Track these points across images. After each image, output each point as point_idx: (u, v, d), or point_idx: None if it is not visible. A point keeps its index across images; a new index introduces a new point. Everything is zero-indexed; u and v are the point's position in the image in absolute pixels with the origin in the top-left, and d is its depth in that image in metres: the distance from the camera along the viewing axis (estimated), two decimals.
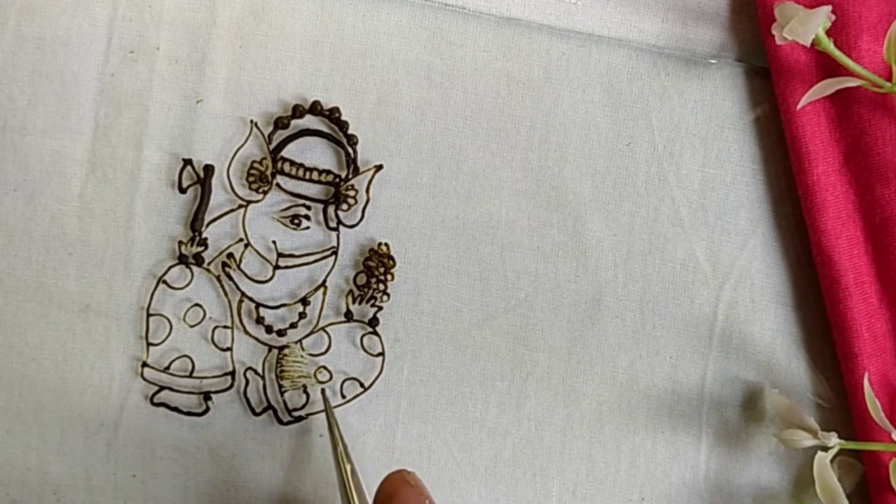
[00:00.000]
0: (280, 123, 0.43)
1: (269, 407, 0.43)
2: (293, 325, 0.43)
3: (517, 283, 0.44)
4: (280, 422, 0.43)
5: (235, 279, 0.43)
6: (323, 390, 0.43)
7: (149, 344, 0.43)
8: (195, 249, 0.43)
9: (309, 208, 0.44)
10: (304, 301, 0.43)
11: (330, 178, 0.44)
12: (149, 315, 0.43)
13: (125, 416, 0.43)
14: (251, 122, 0.43)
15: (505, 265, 0.44)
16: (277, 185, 0.43)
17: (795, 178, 0.44)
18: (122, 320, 0.43)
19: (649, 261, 0.45)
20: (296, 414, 0.43)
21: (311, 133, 0.44)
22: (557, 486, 0.44)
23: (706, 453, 0.45)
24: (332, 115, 0.44)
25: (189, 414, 0.43)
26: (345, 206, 0.43)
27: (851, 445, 0.42)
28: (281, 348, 0.43)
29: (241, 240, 0.43)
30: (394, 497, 0.36)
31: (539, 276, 0.44)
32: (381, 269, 0.43)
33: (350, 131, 0.44)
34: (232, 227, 0.43)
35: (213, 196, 0.43)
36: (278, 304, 0.43)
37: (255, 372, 0.43)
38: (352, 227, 0.44)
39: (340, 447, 0.39)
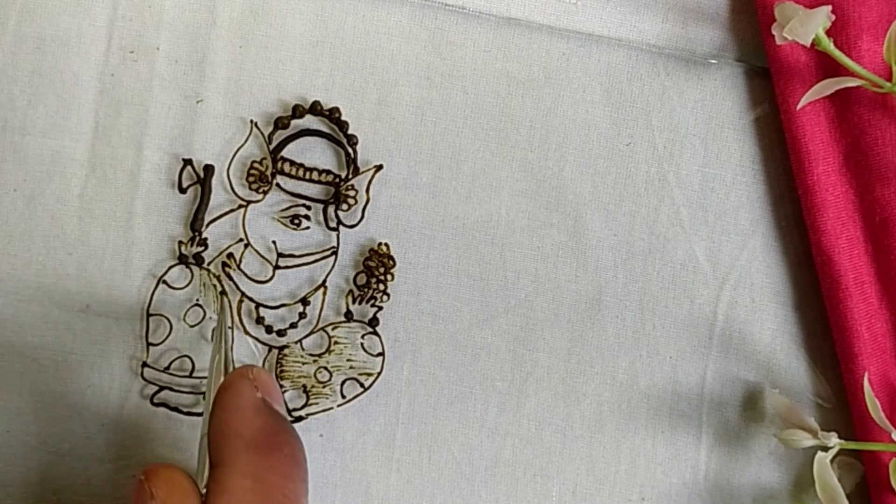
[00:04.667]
0: (280, 123, 0.43)
1: None
2: (293, 325, 0.43)
3: (517, 283, 0.44)
4: None
5: (235, 279, 0.43)
6: (223, 293, 0.43)
7: (149, 344, 0.43)
8: (195, 249, 0.43)
9: (309, 208, 0.44)
10: (304, 301, 0.43)
11: (330, 178, 0.44)
12: (149, 315, 0.43)
13: (125, 416, 0.43)
14: (251, 122, 0.43)
15: (505, 265, 0.44)
16: (277, 185, 0.43)
17: (795, 178, 0.44)
18: (122, 320, 0.43)
19: (649, 261, 0.45)
20: (296, 414, 0.43)
21: (311, 133, 0.44)
22: (557, 486, 0.44)
23: (706, 453, 0.45)
24: (332, 115, 0.44)
25: (189, 414, 0.43)
26: (345, 206, 0.43)
27: (851, 445, 0.42)
28: (281, 348, 0.43)
29: (241, 240, 0.43)
30: (226, 389, 0.35)
31: (539, 276, 0.44)
32: (381, 269, 0.43)
33: (350, 131, 0.44)
34: (232, 227, 0.43)
35: (213, 196, 0.43)
36: (278, 304, 0.43)
37: None
38: (352, 227, 0.44)
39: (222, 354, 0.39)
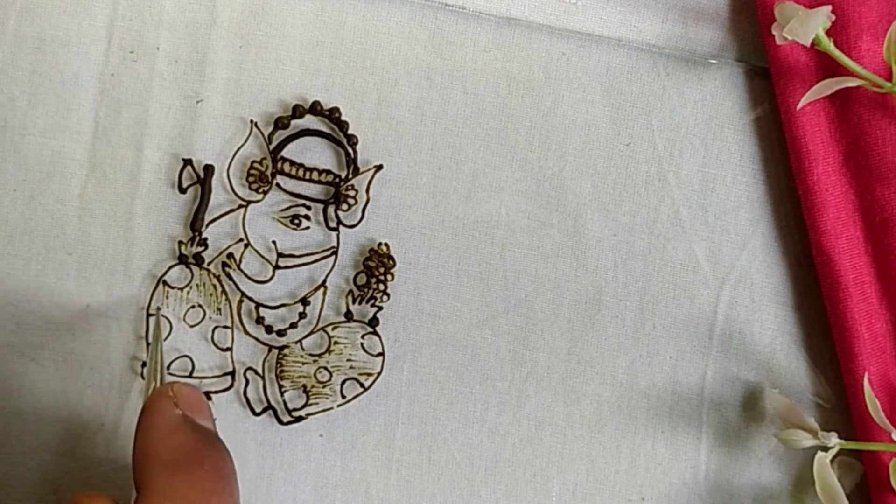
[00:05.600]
0: (280, 123, 0.43)
1: (269, 407, 0.43)
2: (293, 325, 0.43)
3: (517, 283, 0.44)
4: (280, 422, 0.43)
5: (235, 279, 0.43)
6: (158, 309, 0.43)
7: (149, 344, 0.43)
8: (195, 249, 0.43)
9: (309, 208, 0.44)
10: (304, 301, 0.43)
11: (330, 178, 0.44)
12: (149, 315, 0.43)
13: (125, 416, 0.43)
14: (251, 122, 0.43)
15: (505, 265, 0.44)
16: (277, 185, 0.43)
17: (795, 178, 0.44)
18: (122, 320, 0.43)
19: (649, 261, 0.45)
20: (296, 414, 0.43)
21: (311, 133, 0.44)
22: (557, 486, 0.44)
23: (706, 453, 0.45)
24: (332, 115, 0.44)
25: None
26: (345, 206, 0.43)
27: (851, 445, 0.42)
28: (281, 348, 0.43)
29: (241, 240, 0.43)
30: (146, 409, 0.35)
31: (539, 276, 0.44)
32: (381, 269, 0.43)
33: (350, 131, 0.44)
34: (232, 227, 0.43)
35: (213, 196, 0.43)
36: (278, 304, 0.43)
37: (255, 372, 0.43)
38: (352, 227, 0.44)
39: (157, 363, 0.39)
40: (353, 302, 0.44)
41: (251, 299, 0.43)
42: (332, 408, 0.43)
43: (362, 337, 0.44)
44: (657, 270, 0.45)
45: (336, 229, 0.44)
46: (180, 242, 0.43)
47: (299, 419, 0.43)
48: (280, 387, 0.43)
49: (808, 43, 0.41)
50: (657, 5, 0.45)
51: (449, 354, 0.44)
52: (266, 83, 0.44)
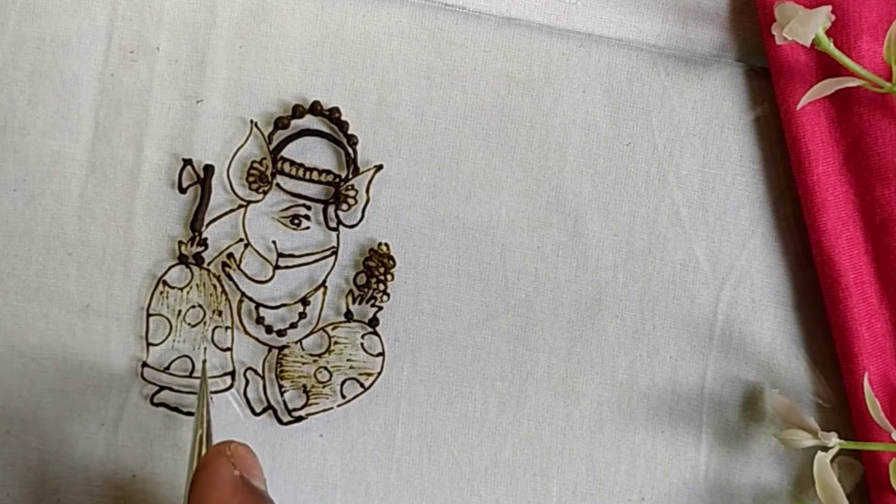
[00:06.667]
0: (280, 123, 0.43)
1: (269, 407, 0.43)
2: (293, 325, 0.43)
3: (517, 283, 0.44)
4: (280, 422, 0.43)
5: (235, 279, 0.43)
6: (204, 361, 0.43)
7: (149, 344, 0.43)
8: (195, 249, 0.43)
9: (309, 208, 0.44)
10: (304, 301, 0.43)
11: (330, 178, 0.44)
12: (149, 315, 0.43)
13: (125, 416, 0.43)
14: (251, 122, 0.43)
15: (505, 265, 0.44)
16: (277, 185, 0.44)
17: (795, 178, 0.44)
18: (122, 320, 0.43)
19: (649, 261, 0.45)
20: (296, 414, 0.43)
21: (311, 133, 0.44)
22: (557, 486, 0.44)
23: (706, 453, 0.45)
24: (332, 115, 0.44)
25: (189, 414, 0.43)
26: (345, 206, 0.43)
27: (851, 445, 0.42)
28: (281, 348, 0.43)
29: (241, 240, 0.43)
30: (204, 467, 0.36)
31: (539, 276, 0.44)
32: (381, 269, 0.43)
33: (350, 131, 0.44)
34: (232, 227, 0.43)
35: (213, 196, 0.43)
36: (278, 304, 0.43)
37: (255, 372, 0.43)
38: (352, 227, 0.44)
39: (203, 423, 0.39)
40: (353, 302, 0.44)
41: (251, 299, 0.43)
42: (332, 408, 0.43)
43: (362, 337, 0.44)
44: (657, 270, 0.45)
45: (336, 229, 0.44)
46: (180, 242, 0.43)
47: (299, 419, 0.43)
48: (280, 387, 0.43)
49: (808, 43, 0.41)
50: (657, 5, 0.45)
51: (449, 354, 0.44)
52: (266, 83, 0.44)
